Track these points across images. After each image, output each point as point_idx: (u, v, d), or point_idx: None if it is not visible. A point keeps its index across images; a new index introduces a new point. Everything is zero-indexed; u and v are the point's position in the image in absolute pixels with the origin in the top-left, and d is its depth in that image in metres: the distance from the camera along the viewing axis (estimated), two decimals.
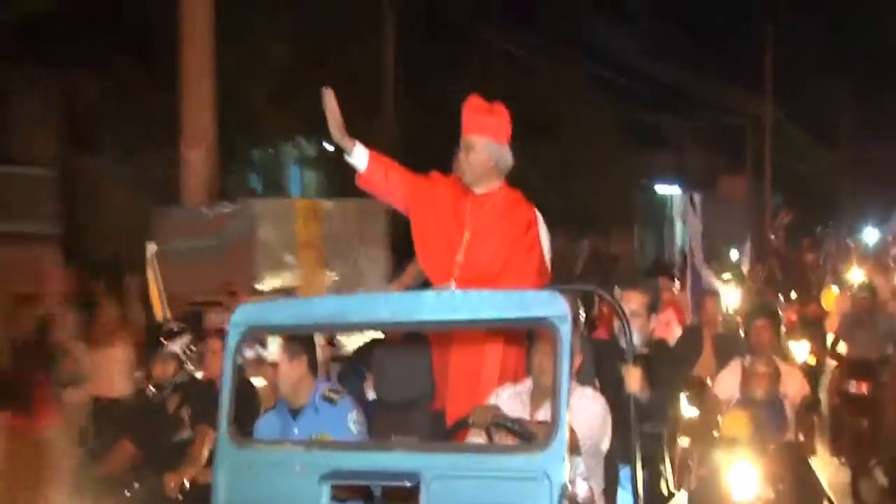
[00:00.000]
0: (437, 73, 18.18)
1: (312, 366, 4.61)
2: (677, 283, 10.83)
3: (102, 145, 14.49)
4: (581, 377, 4.26)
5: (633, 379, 4.11)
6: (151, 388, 5.57)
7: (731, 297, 11.76)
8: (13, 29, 10.27)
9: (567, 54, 22.53)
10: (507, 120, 4.73)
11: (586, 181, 21.03)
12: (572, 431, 3.77)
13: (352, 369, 5.07)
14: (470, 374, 4.45)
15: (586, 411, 4.17)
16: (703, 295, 9.44)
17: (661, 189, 29.81)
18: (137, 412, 5.77)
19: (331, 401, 4.48)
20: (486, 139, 4.64)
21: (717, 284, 10.54)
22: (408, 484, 3.41)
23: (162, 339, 5.68)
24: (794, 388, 6.95)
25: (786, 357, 8.32)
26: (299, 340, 4.53)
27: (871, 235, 22.12)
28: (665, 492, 4.72)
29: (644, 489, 4.35)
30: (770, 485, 5.95)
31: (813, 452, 7.12)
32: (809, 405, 7.10)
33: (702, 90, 28.69)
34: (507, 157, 4.71)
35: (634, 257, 27.00)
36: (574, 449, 3.76)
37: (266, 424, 4.60)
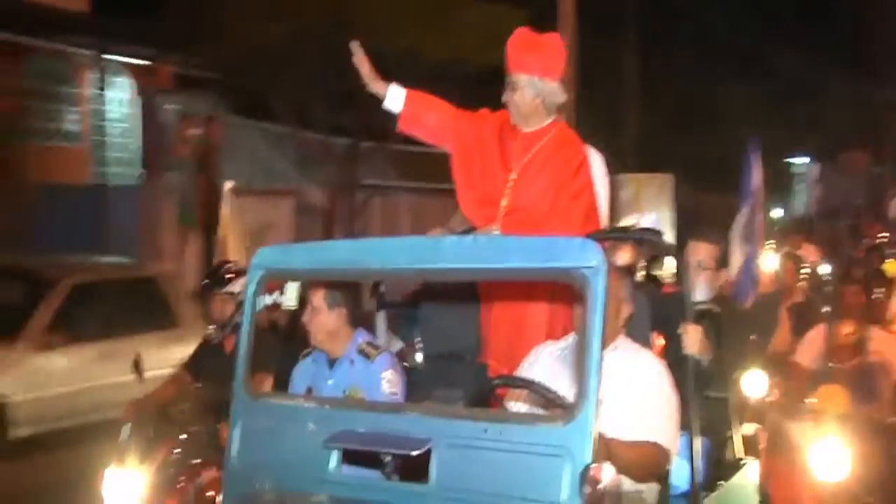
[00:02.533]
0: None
1: (352, 317, 3.80)
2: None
3: None
4: (635, 333, 3.26)
5: (692, 338, 3.17)
6: (210, 327, 4.86)
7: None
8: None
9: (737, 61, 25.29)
10: (556, 53, 3.90)
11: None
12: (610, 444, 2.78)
13: (406, 316, 4.19)
14: (513, 327, 3.72)
15: (661, 402, 3.18)
16: (783, 258, 7.59)
17: (791, 161, 29.35)
18: (198, 350, 5.07)
19: (367, 356, 3.78)
20: (529, 76, 3.81)
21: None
22: (413, 453, 2.72)
23: (224, 277, 4.93)
24: (892, 362, 5.50)
25: (890, 325, 6.53)
26: (341, 289, 3.72)
27: None
28: (733, 459, 3.64)
29: (708, 457, 3.37)
30: (859, 467, 4.75)
31: None
32: None
33: (829, 80, 28.10)
34: (555, 94, 3.89)
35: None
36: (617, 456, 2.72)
37: (302, 371, 3.90)
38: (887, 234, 12.76)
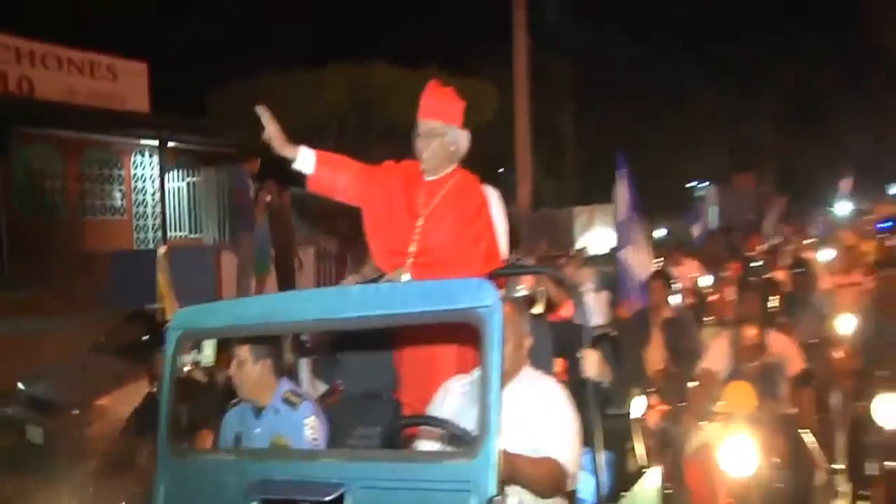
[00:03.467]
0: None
1: (277, 368, 3.55)
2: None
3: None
4: (538, 360, 3.09)
5: (591, 363, 2.98)
6: (154, 385, 4.54)
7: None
8: None
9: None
10: (462, 105, 3.75)
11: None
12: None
13: (328, 360, 3.94)
14: (424, 364, 3.55)
15: (560, 421, 3.03)
16: (650, 277, 7.00)
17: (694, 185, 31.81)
18: (140, 408, 4.73)
19: (291, 404, 3.55)
20: (447, 124, 3.68)
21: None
22: (327, 499, 2.54)
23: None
24: (789, 360, 5.43)
25: (783, 328, 6.34)
26: (265, 341, 3.48)
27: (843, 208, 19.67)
28: (635, 469, 3.48)
29: (612, 469, 3.20)
30: (765, 459, 4.66)
31: (810, 425, 5.38)
32: (804, 379, 5.39)
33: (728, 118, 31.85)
34: (465, 142, 3.76)
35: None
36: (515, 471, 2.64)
37: (230, 421, 3.66)
38: (763, 247, 12.90)
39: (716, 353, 5.51)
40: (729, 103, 31.44)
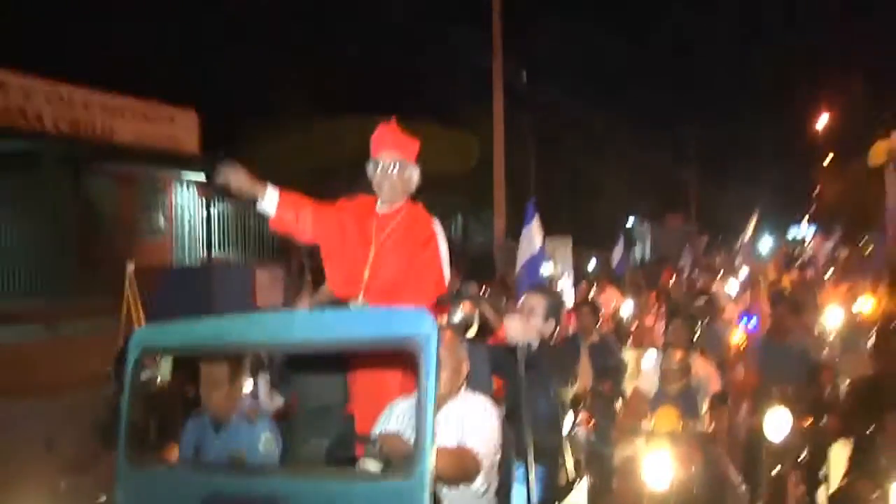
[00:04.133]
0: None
1: (243, 386, 3.19)
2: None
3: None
4: (477, 380, 2.76)
5: (514, 327, 2.70)
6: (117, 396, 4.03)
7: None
8: None
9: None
10: (418, 143, 3.50)
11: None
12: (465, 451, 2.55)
13: (286, 375, 3.57)
14: (373, 382, 3.25)
15: (479, 422, 2.82)
16: (579, 305, 6.65)
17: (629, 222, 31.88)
18: (109, 419, 4.22)
19: (249, 420, 3.21)
20: (408, 160, 3.41)
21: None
22: None
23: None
24: (708, 382, 5.27)
25: (703, 353, 6.08)
26: (240, 363, 3.10)
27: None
28: (566, 482, 3.15)
29: (544, 482, 2.87)
30: (684, 471, 4.49)
31: (721, 438, 5.21)
32: (720, 399, 5.17)
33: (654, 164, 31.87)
34: (417, 177, 3.47)
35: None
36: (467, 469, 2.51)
37: (189, 434, 3.35)
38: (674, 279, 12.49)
39: (646, 376, 5.36)
40: (661, 153, 31.95)
